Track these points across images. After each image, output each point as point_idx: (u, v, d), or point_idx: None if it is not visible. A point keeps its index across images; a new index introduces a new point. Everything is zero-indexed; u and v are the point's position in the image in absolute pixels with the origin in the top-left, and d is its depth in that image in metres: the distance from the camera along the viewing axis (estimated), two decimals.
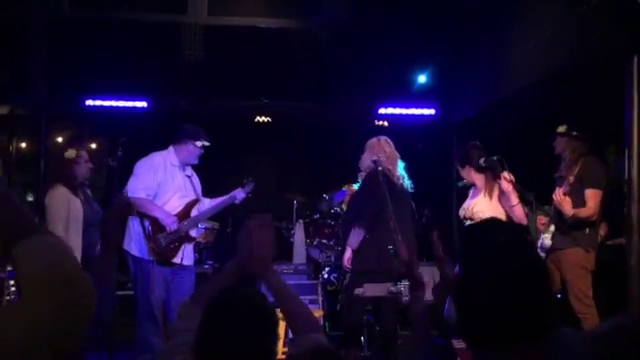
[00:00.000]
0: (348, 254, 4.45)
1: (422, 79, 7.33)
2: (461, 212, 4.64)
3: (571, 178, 4.43)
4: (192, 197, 4.73)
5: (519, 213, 4.33)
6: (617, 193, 4.37)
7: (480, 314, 1.46)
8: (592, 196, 4.37)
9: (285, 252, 6.75)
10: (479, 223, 1.78)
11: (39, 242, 1.37)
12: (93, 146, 7.75)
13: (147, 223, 4.50)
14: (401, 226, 4.23)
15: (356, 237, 4.39)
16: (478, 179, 4.54)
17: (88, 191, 4.73)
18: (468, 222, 4.53)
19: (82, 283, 1.33)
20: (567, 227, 4.39)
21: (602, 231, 4.69)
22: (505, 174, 4.28)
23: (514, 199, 4.32)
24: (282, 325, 4.91)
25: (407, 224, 4.49)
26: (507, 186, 4.27)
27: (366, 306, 4.44)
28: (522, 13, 5.52)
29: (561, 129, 4.60)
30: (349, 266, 4.46)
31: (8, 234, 1.38)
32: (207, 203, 4.92)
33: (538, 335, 1.44)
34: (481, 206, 4.45)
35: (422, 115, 7.56)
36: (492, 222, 1.83)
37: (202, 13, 6.88)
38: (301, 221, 6.66)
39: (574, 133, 4.54)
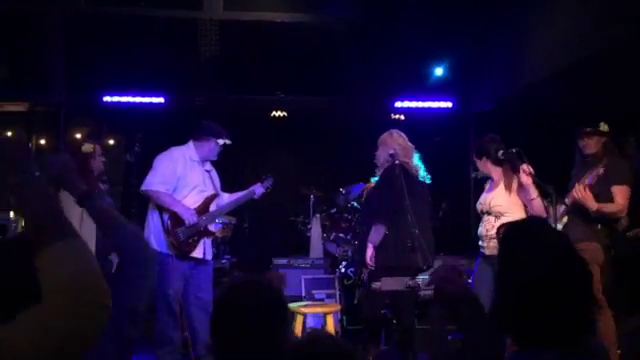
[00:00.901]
0: (370, 252, 4.38)
1: (439, 72, 7.28)
2: (478, 206, 4.60)
3: (593, 175, 4.31)
4: (211, 192, 4.75)
5: (538, 207, 4.28)
6: (636, 186, 4.30)
7: (532, 316, 1.48)
8: (620, 192, 4.25)
9: (302, 246, 6.76)
10: (520, 224, 1.78)
11: (68, 249, 1.29)
12: (111, 142, 7.81)
13: (166, 217, 4.53)
14: (419, 220, 4.21)
15: (377, 234, 4.35)
16: (495, 172, 4.50)
17: (102, 186, 4.75)
18: (486, 216, 4.49)
19: (104, 286, 1.30)
20: (590, 220, 4.30)
21: (625, 222, 4.61)
22: (524, 166, 4.23)
23: (533, 192, 4.27)
24: (299, 319, 4.94)
25: (425, 217, 4.46)
26: (527, 179, 4.22)
27: (384, 300, 4.41)
28: (539, 3, 5.46)
29: (605, 128, 4.38)
30: (372, 264, 4.39)
31: (37, 235, 1.29)
32: (226, 198, 4.94)
33: (585, 334, 1.49)
34: (499, 200, 4.41)
35: (439, 108, 7.52)
36: (534, 223, 1.83)
37: (218, 8, 6.91)
38: (318, 215, 6.66)
39: (607, 130, 4.39)
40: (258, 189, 4.93)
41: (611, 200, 4.28)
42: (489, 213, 4.47)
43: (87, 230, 4.18)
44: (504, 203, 4.41)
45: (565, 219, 4.40)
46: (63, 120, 6.87)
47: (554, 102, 5.66)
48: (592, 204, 4.22)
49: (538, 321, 1.48)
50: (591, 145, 4.41)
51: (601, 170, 4.22)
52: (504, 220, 4.33)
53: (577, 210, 4.34)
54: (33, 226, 1.32)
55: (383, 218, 4.32)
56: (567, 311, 1.48)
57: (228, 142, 4.76)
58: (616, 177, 4.28)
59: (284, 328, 1.84)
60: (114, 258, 4.58)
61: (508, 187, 4.42)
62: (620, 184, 4.27)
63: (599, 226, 4.34)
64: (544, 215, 4.35)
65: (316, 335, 1.83)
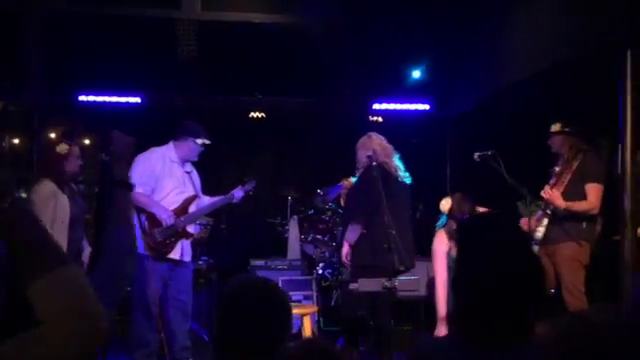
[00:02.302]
0: (346, 249, 4.46)
1: (416, 74, 7.33)
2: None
3: (565, 174, 4.39)
4: (191, 193, 4.72)
5: None
6: (612, 188, 4.36)
7: (480, 310, 1.49)
8: (593, 190, 4.34)
9: (279, 248, 6.75)
10: (476, 218, 1.79)
11: (63, 277, 1.23)
12: (86, 141, 7.71)
13: (143, 218, 4.49)
14: (397, 221, 4.23)
15: (353, 233, 4.40)
16: None
17: (74, 187, 4.63)
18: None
19: (100, 309, 1.29)
20: (562, 218, 4.37)
21: (598, 226, 4.66)
22: None
23: None
24: (307, 320, 4.93)
25: (403, 218, 4.49)
26: None
27: (362, 301, 4.43)
28: (517, 8, 5.52)
29: (555, 128, 4.52)
30: (347, 262, 4.46)
31: (27, 265, 1.22)
32: (206, 200, 4.91)
33: (530, 332, 1.48)
34: None
35: (416, 110, 7.57)
36: (489, 218, 1.83)
37: (196, 8, 6.85)
38: (295, 217, 6.66)
39: (567, 129, 4.50)
40: (238, 193, 4.91)
41: (585, 198, 4.35)
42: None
43: (58, 227, 4.14)
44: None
45: (545, 222, 4.44)
46: (38, 120, 6.76)
47: (531, 104, 5.73)
48: (560, 202, 4.29)
49: (486, 320, 1.47)
50: (556, 144, 4.52)
51: (566, 175, 4.31)
52: None
53: (554, 211, 4.40)
54: (22, 256, 1.25)
55: (359, 218, 4.36)
56: (514, 310, 1.47)
57: (207, 142, 4.72)
58: (589, 175, 4.36)
59: (287, 332, 1.83)
60: (86, 246, 4.50)
61: None
62: (593, 182, 4.34)
63: (584, 224, 4.38)
64: None
65: (311, 344, 1.82)
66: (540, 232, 4.42)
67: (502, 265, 1.50)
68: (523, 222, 4.44)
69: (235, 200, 4.91)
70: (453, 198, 4.70)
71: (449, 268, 4.69)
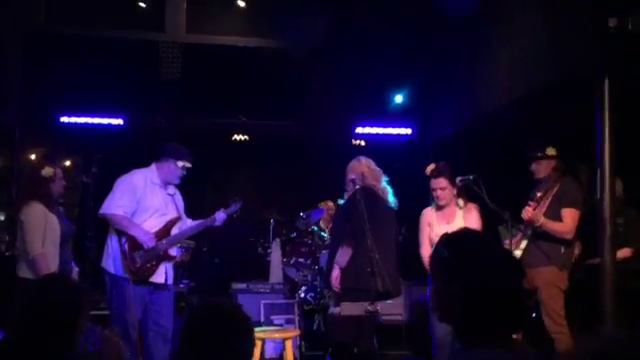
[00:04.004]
0: (336, 273, 4.32)
1: (399, 99, 7.40)
2: (435, 238, 4.61)
3: (545, 198, 4.42)
4: (173, 215, 4.67)
5: None
6: (590, 213, 4.41)
7: (480, 313, 1.61)
8: (569, 214, 4.36)
9: (261, 271, 6.71)
10: (462, 233, 1.88)
11: None
12: (67, 163, 7.65)
13: (124, 240, 4.43)
14: (382, 245, 4.21)
15: (344, 255, 4.31)
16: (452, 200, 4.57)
17: (60, 208, 4.67)
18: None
19: None
20: (541, 242, 4.39)
21: (577, 250, 4.70)
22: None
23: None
24: (257, 345, 4.88)
25: (388, 242, 4.46)
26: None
27: (347, 325, 4.37)
28: (497, 34, 5.63)
29: (551, 152, 4.48)
30: (338, 285, 4.33)
31: None
32: (188, 223, 4.85)
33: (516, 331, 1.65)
34: (469, 223, 4.50)
35: (399, 134, 7.63)
36: (474, 233, 1.96)
37: (180, 31, 6.89)
38: (278, 240, 6.64)
39: (559, 153, 4.48)
40: (220, 215, 4.80)
41: (561, 221, 4.39)
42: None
43: (50, 243, 4.16)
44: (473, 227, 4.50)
45: (523, 244, 4.46)
46: (18, 140, 6.70)
47: (512, 128, 5.80)
48: (538, 218, 4.31)
49: (480, 320, 1.60)
50: (540, 170, 4.52)
51: (547, 198, 4.35)
52: None
53: (534, 234, 4.42)
54: None
55: (349, 240, 4.30)
56: (505, 309, 1.60)
57: (188, 165, 4.67)
58: (567, 200, 4.39)
59: (250, 356, 1.83)
60: (74, 266, 4.51)
61: (465, 214, 4.51)
62: (569, 207, 4.38)
63: (563, 249, 4.40)
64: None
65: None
66: (517, 254, 4.41)
67: (499, 273, 1.63)
68: (505, 244, 4.46)
69: (217, 223, 4.84)
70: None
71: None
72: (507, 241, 4.46)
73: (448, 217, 4.58)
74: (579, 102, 4.59)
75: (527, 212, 4.32)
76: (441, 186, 4.51)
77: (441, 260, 1.72)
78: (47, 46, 6.38)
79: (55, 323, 2.08)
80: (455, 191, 4.53)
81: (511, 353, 1.59)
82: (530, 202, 4.39)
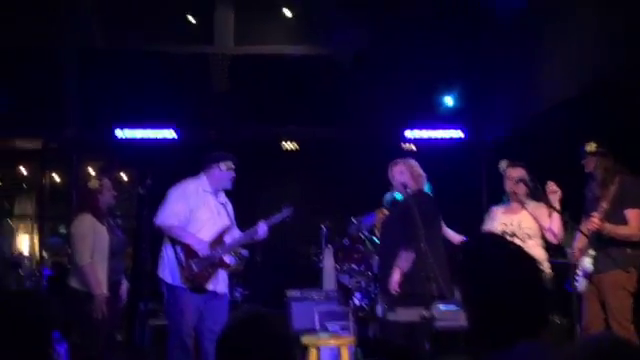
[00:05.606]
0: (397, 276, 4.22)
1: (449, 101, 7.29)
2: (500, 227, 4.52)
3: (604, 203, 4.25)
4: (225, 224, 4.72)
5: (558, 229, 4.35)
6: None
7: (496, 318, 1.64)
8: (633, 215, 4.19)
9: (314, 278, 6.70)
10: (480, 238, 1.94)
11: None
12: (123, 176, 7.86)
13: (179, 249, 4.50)
14: (436, 249, 4.15)
15: (406, 260, 4.20)
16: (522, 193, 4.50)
17: (112, 220, 4.79)
18: (508, 237, 4.39)
19: None
20: (606, 246, 4.23)
21: None
22: (551, 185, 4.31)
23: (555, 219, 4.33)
24: (313, 353, 4.86)
25: (441, 246, 4.40)
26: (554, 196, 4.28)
27: (403, 332, 4.30)
28: (550, 31, 5.48)
29: (589, 148, 4.40)
30: (397, 289, 4.22)
31: None
32: (235, 234, 4.87)
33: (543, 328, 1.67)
34: (529, 222, 4.44)
35: (450, 137, 7.52)
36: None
37: (229, 43, 7.01)
38: (330, 246, 6.62)
39: (602, 150, 4.39)
40: (261, 228, 4.76)
41: (625, 223, 4.21)
42: (514, 234, 4.42)
43: (98, 254, 4.28)
44: (533, 226, 4.39)
45: (592, 251, 4.29)
46: (76, 156, 6.93)
47: (568, 128, 5.62)
48: (604, 227, 4.16)
49: (505, 320, 1.63)
50: (589, 165, 4.41)
51: (606, 202, 4.18)
52: (530, 244, 4.30)
53: (598, 240, 4.25)
54: None
55: (411, 244, 4.21)
56: (528, 309, 1.64)
57: (231, 165, 4.71)
58: (628, 200, 4.23)
59: None
60: (124, 281, 4.63)
61: (533, 211, 4.42)
62: (633, 207, 4.21)
63: (629, 250, 4.24)
64: (558, 240, 4.34)
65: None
66: (589, 263, 4.27)
67: (519, 272, 1.67)
68: (573, 253, 4.35)
69: (260, 234, 4.77)
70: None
71: None
72: (575, 250, 4.35)
73: (514, 210, 4.50)
74: (634, 99, 4.42)
75: (593, 224, 4.17)
76: (518, 174, 4.47)
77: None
78: (101, 62, 6.58)
79: (25, 340, 1.97)
80: (526, 189, 4.45)
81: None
82: (594, 213, 4.22)
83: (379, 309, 4.69)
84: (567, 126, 5.64)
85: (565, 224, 4.37)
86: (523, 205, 4.52)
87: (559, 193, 4.31)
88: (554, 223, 4.36)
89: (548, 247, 4.51)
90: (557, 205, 4.30)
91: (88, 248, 4.33)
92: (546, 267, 4.42)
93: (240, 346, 1.72)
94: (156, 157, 6.50)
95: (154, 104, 6.89)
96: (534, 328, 1.65)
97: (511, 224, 4.50)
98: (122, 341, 5.77)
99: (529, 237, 4.40)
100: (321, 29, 6.82)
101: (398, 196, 4.71)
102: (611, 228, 4.17)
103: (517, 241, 4.34)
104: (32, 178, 8.62)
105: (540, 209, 4.44)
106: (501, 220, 4.58)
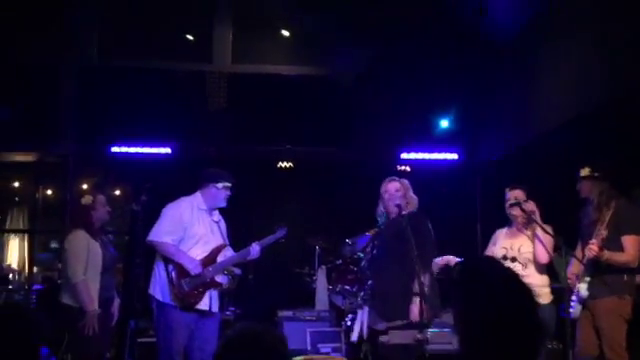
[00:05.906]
0: (417, 308, 3.94)
1: (444, 124, 7.33)
2: (501, 251, 4.50)
3: (602, 229, 4.23)
4: (219, 242, 4.69)
5: (542, 255, 4.32)
6: None
7: (486, 341, 1.63)
8: (630, 242, 4.17)
9: (307, 298, 6.66)
10: (477, 260, 1.96)
11: None
12: (117, 192, 7.83)
13: (171, 268, 4.48)
14: (426, 270, 4.13)
15: (426, 286, 4.07)
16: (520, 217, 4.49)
17: (104, 237, 4.76)
18: (509, 262, 4.36)
19: None
20: (602, 272, 4.21)
21: (639, 278, 4.48)
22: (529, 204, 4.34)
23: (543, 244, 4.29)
24: None
25: (431, 268, 4.37)
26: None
27: (396, 354, 4.25)
28: (546, 55, 5.52)
29: (584, 172, 4.40)
30: (422, 317, 3.92)
31: None
32: (228, 253, 4.83)
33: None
34: (528, 246, 4.40)
35: (445, 159, 7.54)
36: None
37: (226, 62, 7.04)
38: (323, 267, 6.59)
39: (596, 174, 4.39)
40: (254, 249, 4.74)
41: (621, 249, 4.20)
42: (515, 259, 4.40)
43: (91, 271, 4.25)
44: (531, 251, 4.37)
45: (587, 277, 4.27)
46: (71, 170, 6.91)
47: (562, 152, 5.65)
48: (603, 254, 4.15)
49: (494, 349, 1.62)
50: (584, 189, 4.40)
51: (603, 227, 4.17)
52: (531, 270, 4.29)
53: (594, 266, 4.24)
54: None
55: (426, 270, 4.13)
56: (519, 338, 1.63)
57: (227, 184, 4.70)
58: (625, 226, 4.21)
59: None
60: (116, 297, 4.58)
61: (531, 236, 4.41)
62: (630, 234, 4.20)
63: (625, 277, 4.22)
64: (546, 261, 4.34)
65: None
66: (583, 289, 4.24)
67: (513, 298, 1.67)
68: (569, 279, 4.34)
69: (252, 256, 4.75)
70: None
71: None
72: (571, 275, 4.34)
73: (515, 233, 4.49)
74: (636, 120, 4.44)
75: (591, 251, 4.15)
76: (514, 197, 4.46)
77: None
78: (99, 79, 6.59)
79: (11, 353, 1.94)
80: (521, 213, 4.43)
81: None
82: (592, 240, 4.20)
83: (368, 320, 4.59)
84: (563, 149, 5.66)
85: (559, 249, 4.35)
86: (523, 229, 4.49)
87: (537, 212, 4.34)
88: (538, 246, 4.34)
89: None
90: (540, 222, 4.32)
91: (82, 265, 4.31)
92: (547, 293, 4.39)
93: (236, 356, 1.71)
94: (151, 174, 6.47)
95: (151, 121, 6.89)
96: (525, 356, 1.64)
97: (511, 248, 4.47)
98: (111, 358, 5.70)
99: (530, 261, 4.38)
100: (318, 50, 6.87)
101: (383, 217, 4.66)
102: (609, 255, 4.14)
103: (518, 266, 4.34)
104: (25, 191, 8.59)
105: (546, 237, 4.37)
106: (502, 244, 4.56)
